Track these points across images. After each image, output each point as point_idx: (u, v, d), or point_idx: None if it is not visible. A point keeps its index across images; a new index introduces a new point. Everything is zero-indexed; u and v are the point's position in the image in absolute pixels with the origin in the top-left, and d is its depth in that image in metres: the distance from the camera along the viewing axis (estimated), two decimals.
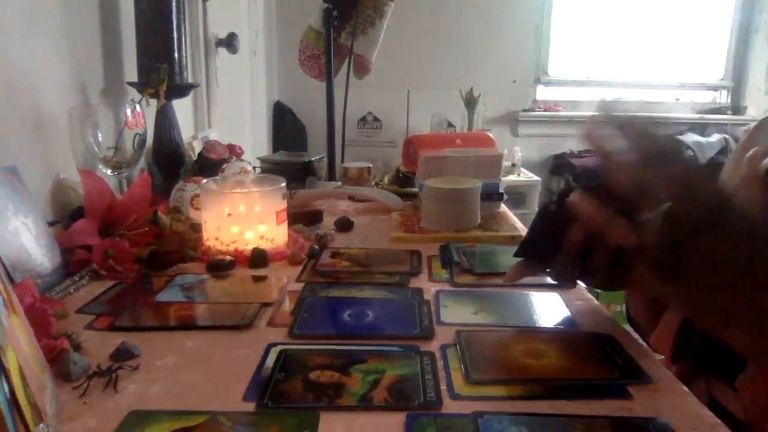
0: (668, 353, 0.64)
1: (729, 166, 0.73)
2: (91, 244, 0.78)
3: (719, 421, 0.47)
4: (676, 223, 0.46)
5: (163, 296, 0.71)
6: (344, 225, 1.03)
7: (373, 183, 1.36)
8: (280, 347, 0.58)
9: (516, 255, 0.65)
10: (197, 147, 1.44)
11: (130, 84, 1.11)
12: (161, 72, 1.06)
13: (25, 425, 0.36)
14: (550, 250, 0.60)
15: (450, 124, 2.99)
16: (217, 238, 0.86)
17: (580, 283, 0.68)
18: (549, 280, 0.72)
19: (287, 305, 0.69)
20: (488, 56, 3.18)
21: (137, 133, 0.98)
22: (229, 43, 1.85)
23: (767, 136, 0.69)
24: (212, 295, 0.74)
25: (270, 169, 1.34)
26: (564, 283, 0.66)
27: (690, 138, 3.14)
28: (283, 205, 0.89)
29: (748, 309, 0.45)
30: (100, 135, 0.93)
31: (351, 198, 1.24)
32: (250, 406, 0.48)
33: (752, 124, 0.75)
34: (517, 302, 0.71)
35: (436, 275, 0.81)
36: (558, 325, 0.65)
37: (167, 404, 0.48)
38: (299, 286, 0.76)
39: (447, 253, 0.89)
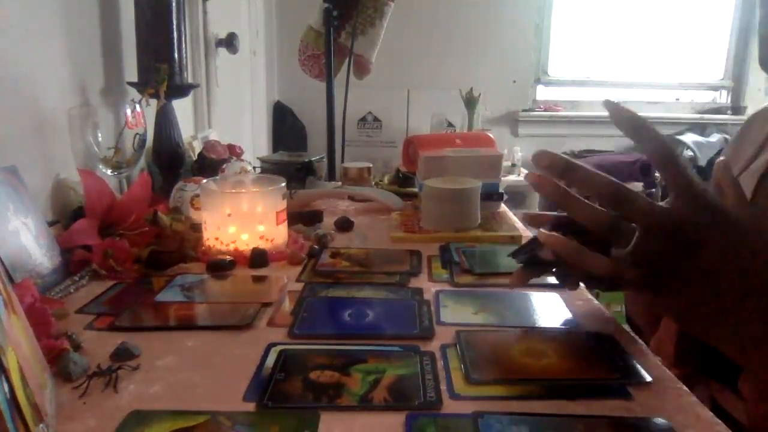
0: (670, 357, 0.64)
1: None
2: (91, 244, 0.78)
3: (719, 421, 0.47)
4: (679, 233, 0.45)
5: (163, 296, 0.71)
6: (344, 225, 1.03)
7: (373, 183, 1.36)
8: (280, 347, 0.58)
9: (513, 256, 0.65)
10: (197, 147, 1.44)
11: (130, 84, 1.11)
12: (161, 72, 1.06)
13: (25, 425, 0.36)
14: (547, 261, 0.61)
15: (450, 124, 2.99)
16: (217, 238, 0.86)
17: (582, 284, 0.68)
18: (551, 280, 0.72)
19: (287, 305, 0.69)
20: (488, 56, 3.17)
21: (137, 133, 0.98)
22: (229, 43, 1.85)
23: (758, 131, 0.69)
24: (212, 295, 0.74)
25: (270, 169, 1.34)
26: (568, 286, 0.66)
27: (690, 138, 3.13)
28: (283, 205, 0.89)
29: (739, 311, 0.45)
30: (100, 135, 0.93)
31: (351, 198, 1.24)
32: (250, 406, 0.48)
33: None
34: (517, 302, 0.71)
35: (436, 275, 0.81)
36: (558, 325, 0.65)
37: (167, 404, 0.48)
38: (299, 286, 0.76)
39: (447, 253, 0.89)
